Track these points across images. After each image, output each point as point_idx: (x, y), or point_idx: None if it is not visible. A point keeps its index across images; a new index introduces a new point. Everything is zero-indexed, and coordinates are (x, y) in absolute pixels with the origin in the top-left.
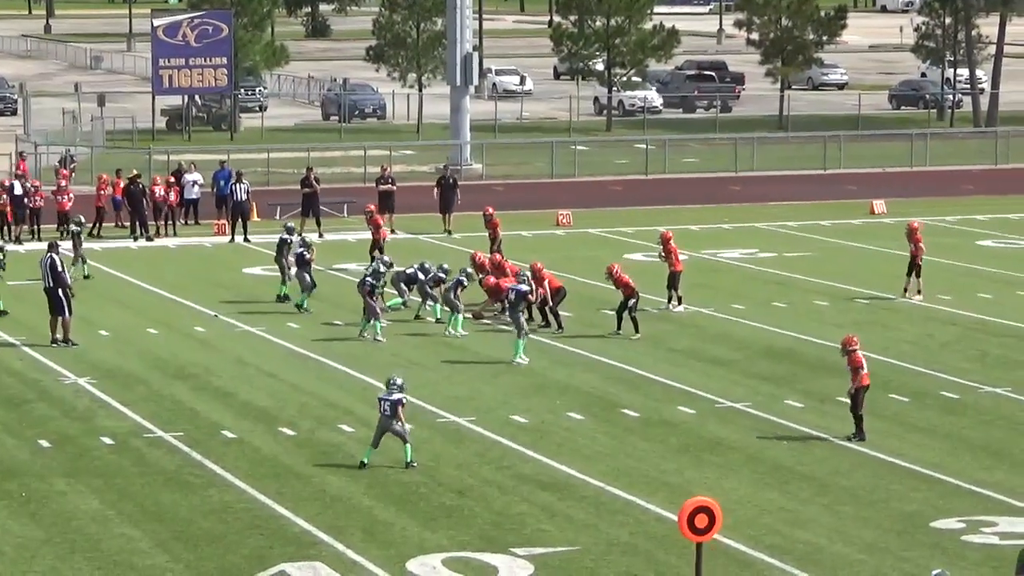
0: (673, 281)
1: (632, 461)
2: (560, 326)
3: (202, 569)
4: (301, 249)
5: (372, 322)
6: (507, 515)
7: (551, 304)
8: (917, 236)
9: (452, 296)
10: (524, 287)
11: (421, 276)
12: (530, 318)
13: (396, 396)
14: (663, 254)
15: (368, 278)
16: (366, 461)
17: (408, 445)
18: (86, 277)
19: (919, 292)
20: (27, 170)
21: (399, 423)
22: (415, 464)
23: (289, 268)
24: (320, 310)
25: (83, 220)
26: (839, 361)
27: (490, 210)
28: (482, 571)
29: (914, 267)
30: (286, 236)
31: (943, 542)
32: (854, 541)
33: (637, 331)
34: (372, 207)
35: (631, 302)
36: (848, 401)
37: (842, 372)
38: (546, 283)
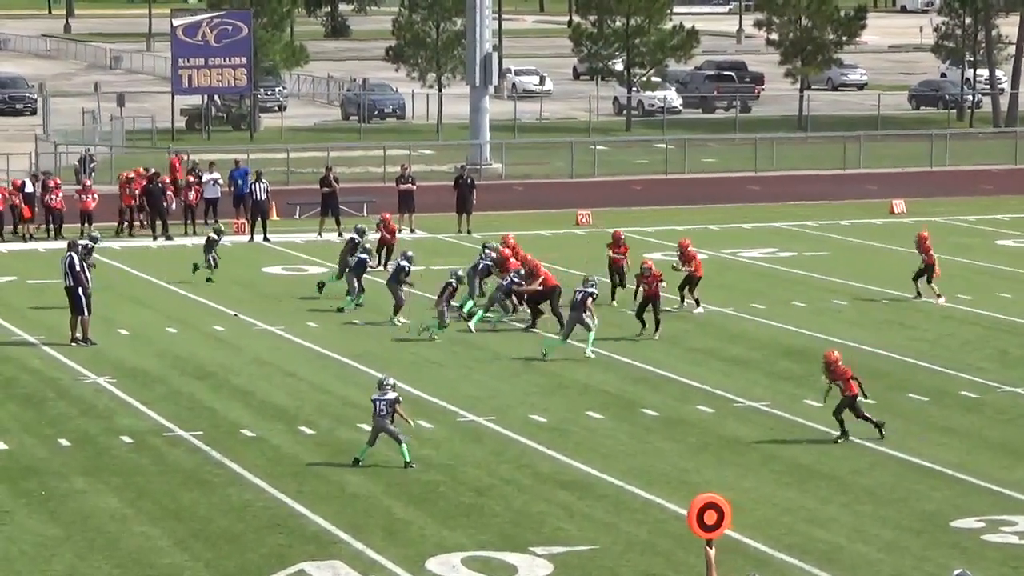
0: (691, 284)
1: (651, 460)
2: (535, 324)
3: (221, 568)
4: (364, 256)
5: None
6: (526, 514)
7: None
8: (926, 245)
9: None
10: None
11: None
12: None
13: (391, 395)
14: (681, 262)
15: (403, 262)
16: (360, 458)
17: (404, 445)
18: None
19: (939, 296)
20: (180, 166)
21: (394, 423)
22: (414, 465)
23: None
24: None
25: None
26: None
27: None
28: (501, 570)
29: (929, 274)
30: (356, 236)
31: (963, 541)
32: (873, 540)
33: (657, 331)
34: (387, 216)
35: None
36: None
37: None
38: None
